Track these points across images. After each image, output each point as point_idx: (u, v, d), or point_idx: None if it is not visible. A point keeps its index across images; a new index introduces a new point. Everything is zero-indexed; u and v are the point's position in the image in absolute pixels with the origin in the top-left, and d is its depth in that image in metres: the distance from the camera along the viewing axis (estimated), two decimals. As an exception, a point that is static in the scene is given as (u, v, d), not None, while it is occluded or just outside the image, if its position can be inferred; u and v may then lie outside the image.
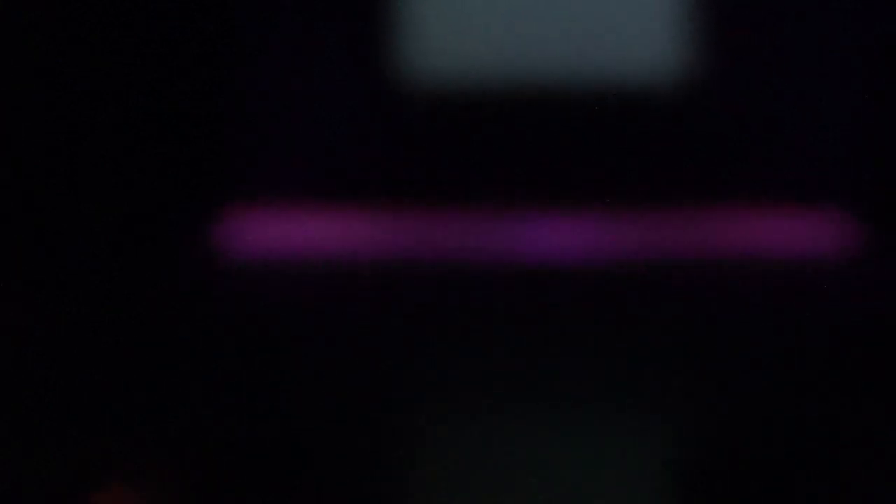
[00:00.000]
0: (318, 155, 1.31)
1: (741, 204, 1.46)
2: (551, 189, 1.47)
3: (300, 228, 1.36)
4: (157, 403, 0.99)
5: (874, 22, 1.22)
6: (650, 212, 1.47)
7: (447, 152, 1.35)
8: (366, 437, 1.02)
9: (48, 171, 1.03)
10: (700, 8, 1.34)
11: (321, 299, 1.21)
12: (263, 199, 1.34)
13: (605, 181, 1.32)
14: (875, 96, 1.21)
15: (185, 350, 1.02)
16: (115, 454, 0.94)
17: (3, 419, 0.87)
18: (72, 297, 1.01)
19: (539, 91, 1.33)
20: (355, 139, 1.32)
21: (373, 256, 1.29)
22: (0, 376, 0.91)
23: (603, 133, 1.38)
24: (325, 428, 1.04)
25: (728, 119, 1.38)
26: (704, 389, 1.13)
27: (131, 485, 0.88)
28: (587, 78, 1.41)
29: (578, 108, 1.36)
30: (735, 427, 1.09)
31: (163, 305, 1.08)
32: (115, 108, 1.03)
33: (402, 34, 1.39)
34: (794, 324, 1.12)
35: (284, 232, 1.38)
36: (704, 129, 1.46)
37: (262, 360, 1.05)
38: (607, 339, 1.14)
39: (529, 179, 1.43)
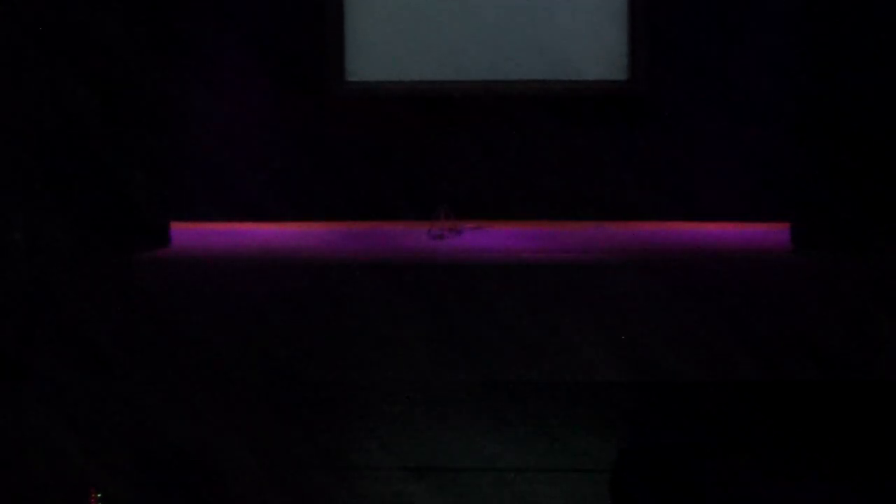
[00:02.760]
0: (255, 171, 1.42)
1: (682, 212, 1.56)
2: (492, 196, 1.57)
3: (247, 237, 1.45)
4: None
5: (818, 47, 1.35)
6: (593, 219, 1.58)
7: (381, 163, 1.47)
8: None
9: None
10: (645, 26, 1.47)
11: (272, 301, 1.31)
12: (207, 212, 1.43)
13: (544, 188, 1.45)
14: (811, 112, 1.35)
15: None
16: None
17: None
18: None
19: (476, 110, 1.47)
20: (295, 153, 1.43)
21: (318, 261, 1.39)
22: None
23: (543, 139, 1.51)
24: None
25: (670, 127, 1.52)
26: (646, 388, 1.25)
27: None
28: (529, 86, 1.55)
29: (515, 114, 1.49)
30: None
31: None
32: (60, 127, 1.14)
33: (341, 49, 1.51)
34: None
35: (230, 241, 1.47)
36: (647, 137, 1.58)
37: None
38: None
39: (467, 190, 1.54)
